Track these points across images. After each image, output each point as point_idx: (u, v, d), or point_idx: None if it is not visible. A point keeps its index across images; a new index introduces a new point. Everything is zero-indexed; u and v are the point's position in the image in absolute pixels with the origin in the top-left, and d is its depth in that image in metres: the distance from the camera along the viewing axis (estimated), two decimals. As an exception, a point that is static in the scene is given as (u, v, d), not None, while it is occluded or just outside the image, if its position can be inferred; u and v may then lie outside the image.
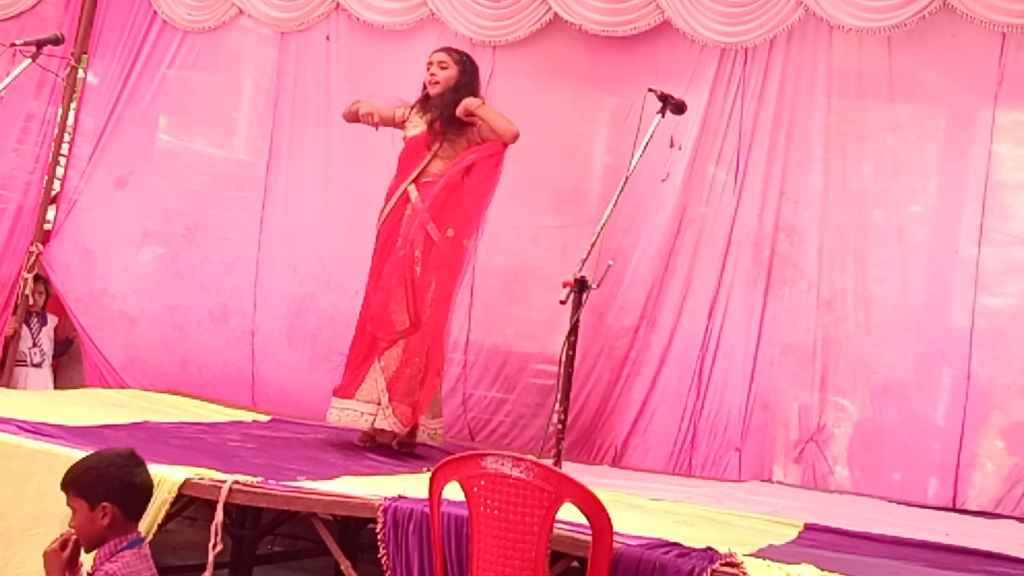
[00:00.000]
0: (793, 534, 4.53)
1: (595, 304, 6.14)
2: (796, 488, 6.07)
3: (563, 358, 4.41)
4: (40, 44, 4.97)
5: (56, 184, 7.89)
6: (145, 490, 3.66)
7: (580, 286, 4.38)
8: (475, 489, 3.65)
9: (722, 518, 4.79)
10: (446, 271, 5.84)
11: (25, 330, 7.65)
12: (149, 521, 4.12)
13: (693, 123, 6.44)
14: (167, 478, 4.30)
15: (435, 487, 3.79)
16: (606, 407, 6.58)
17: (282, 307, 7.29)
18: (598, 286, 4.46)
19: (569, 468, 4.20)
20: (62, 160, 7.87)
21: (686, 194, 6.56)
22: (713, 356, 6.44)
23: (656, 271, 6.57)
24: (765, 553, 3.91)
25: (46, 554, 3.56)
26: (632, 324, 6.59)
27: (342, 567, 4.41)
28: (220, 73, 7.75)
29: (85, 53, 7.84)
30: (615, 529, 3.63)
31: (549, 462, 4.03)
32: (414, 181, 5.87)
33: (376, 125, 6.12)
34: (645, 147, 4.83)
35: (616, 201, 4.71)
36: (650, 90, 5.00)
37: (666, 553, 3.71)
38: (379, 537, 4.08)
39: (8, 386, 7.37)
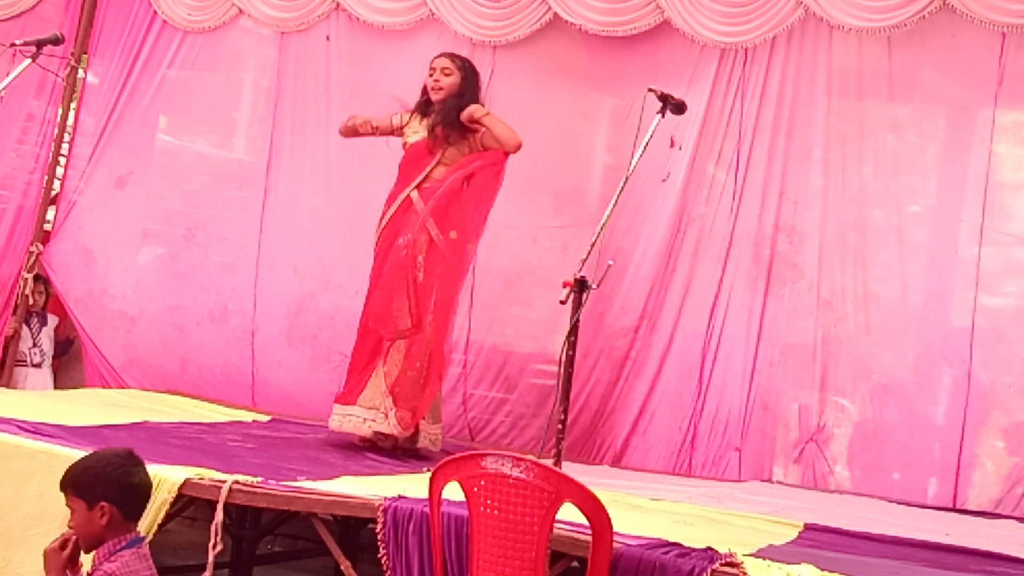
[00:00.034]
0: (793, 534, 4.53)
1: (595, 304, 6.15)
2: (796, 488, 6.07)
3: (563, 358, 4.41)
4: (40, 44, 4.97)
5: (56, 184, 7.89)
6: (143, 490, 3.66)
7: (580, 286, 4.38)
8: (475, 489, 3.65)
9: (722, 518, 4.79)
10: (449, 275, 5.83)
11: (25, 330, 7.65)
12: (149, 521, 4.13)
13: (693, 123, 6.44)
14: (167, 478, 4.30)
15: (435, 487, 3.79)
16: (606, 407, 6.58)
17: (282, 307, 7.29)
18: (598, 286, 4.46)
19: (569, 468, 4.21)
20: (62, 160, 7.87)
21: (686, 194, 6.56)
22: (713, 356, 6.44)
23: (656, 271, 6.57)
24: (765, 553, 3.91)
25: (46, 553, 3.56)
26: (632, 324, 6.59)
27: (342, 567, 4.41)
28: (220, 73, 7.75)
29: (85, 53, 7.84)
30: (615, 529, 3.63)
31: (549, 462, 4.03)
32: (417, 187, 5.87)
33: (375, 134, 6.12)
34: (645, 147, 4.83)
35: (616, 201, 4.71)
36: (650, 90, 5.00)
37: (666, 553, 3.71)
38: (379, 537, 4.08)
39: (8, 386, 7.37)
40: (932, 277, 6.28)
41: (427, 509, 3.88)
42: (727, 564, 3.67)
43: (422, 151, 5.92)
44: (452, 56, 6.07)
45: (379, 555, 4.08)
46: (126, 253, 7.69)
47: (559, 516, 3.61)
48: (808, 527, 4.69)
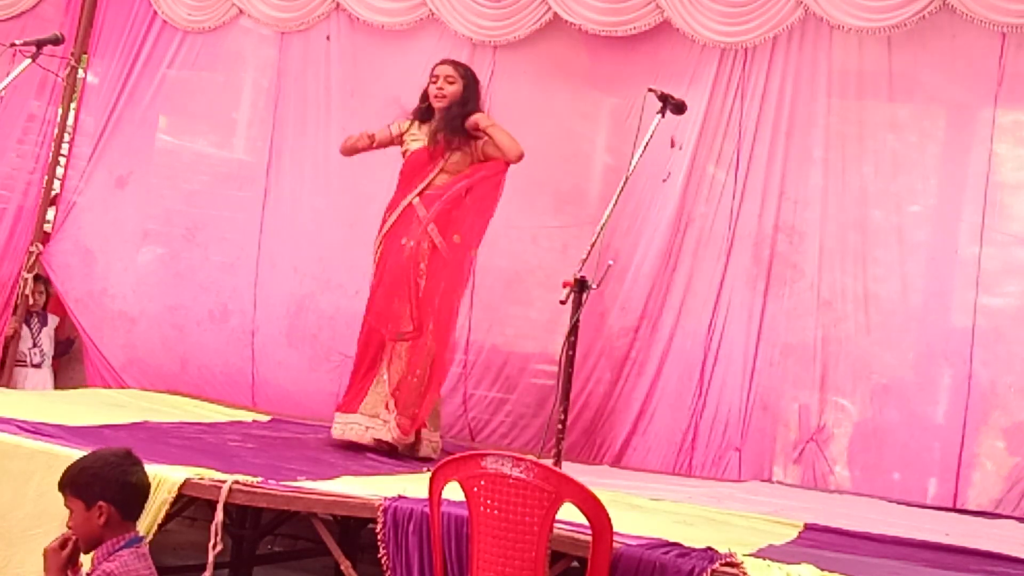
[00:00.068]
0: (793, 534, 4.53)
1: (595, 304, 6.15)
2: (796, 488, 6.07)
3: (563, 358, 4.42)
4: (40, 44, 4.97)
5: (56, 184, 7.89)
6: (141, 489, 3.67)
7: (580, 286, 4.38)
8: (475, 489, 3.65)
9: (722, 518, 4.79)
10: (451, 281, 5.83)
11: (25, 330, 7.65)
12: (149, 521, 4.13)
13: (693, 123, 6.44)
14: (167, 478, 4.30)
15: (435, 487, 3.79)
16: (606, 407, 6.58)
17: (282, 307, 7.29)
18: (598, 286, 4.46)
19: (569, 468, 4.21)
20: (62, 160, 7.87)
21: (686, 194, 6.55)
22: (714, 356, 6.44)
23: (656, 271, 6.57)
24: (765, 553, 3.91)
25: (46, 553, 3.56)
26: (632, 324, 6.59)
27: (342, 567, 4.41)
28: (220, 73, 7.74)
29: (85, 53, 7.83)
30: (615, 529, 3.63)
31: (549, 462, 4.03)
32: (419, 194, 5.87)
33: (374, 148, 6.11)
34: (645, 147, 4.83)
35: (616, 201, 4.71)
36: (650, 90, 5.00)
37: (666, 553, 3.71)
38: (379, 537, 4.08)
39: (8, 386, 7.37)
40: (932, 277, 6.28)
41: (427, 509, 3.88)
42: (727, 564, 3.67)
43: (423, 158, 5.92)
44: (455, 64, 6.07)
45: (379, 555, 4.08)
46: (126, 253, 7.69)
47: (559, 516, 3.60)
48: (808, 527, 4.69)
